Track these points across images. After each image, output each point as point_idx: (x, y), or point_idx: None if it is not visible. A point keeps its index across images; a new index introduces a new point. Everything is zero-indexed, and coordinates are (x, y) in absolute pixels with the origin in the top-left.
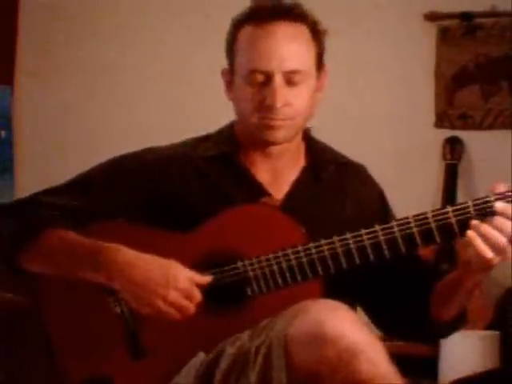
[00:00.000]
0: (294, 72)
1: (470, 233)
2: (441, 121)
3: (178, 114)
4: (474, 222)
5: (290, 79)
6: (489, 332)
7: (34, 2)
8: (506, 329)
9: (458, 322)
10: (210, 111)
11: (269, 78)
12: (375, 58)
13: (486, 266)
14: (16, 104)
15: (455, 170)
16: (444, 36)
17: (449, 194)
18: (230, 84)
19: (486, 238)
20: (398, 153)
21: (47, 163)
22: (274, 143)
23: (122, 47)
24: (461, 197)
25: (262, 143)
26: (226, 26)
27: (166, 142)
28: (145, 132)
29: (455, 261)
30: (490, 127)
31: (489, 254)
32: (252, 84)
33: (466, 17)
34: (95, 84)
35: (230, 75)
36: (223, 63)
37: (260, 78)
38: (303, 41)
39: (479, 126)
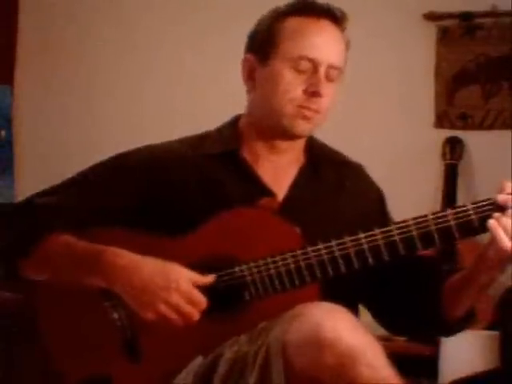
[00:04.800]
0: (334, 67)
1: (492, 222)
2: (441, 121)
3: (179, 114)
4: (496, 214)
5: (329, 74)
6: (489, 332)
7: (33, 2)
8: (506, 329)
9: (468, 319)
10: (208, 111)
11: (315, 67)
12: (375, 57)
13: (505, 257)
14: (16, 104)
15: (455, 170)
16: (444, 36)
17: (449, 194)
18: (252, 72)
19: (505, 229)
20: (398, 153)
21: (47, 163)
22: (299, 136)
23: (122, 47)
24: (461, 197)
25: (282, 135)
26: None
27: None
28: (145, 131)
29: (456, 261)
30: (490, 127)
31: (507, 242)
32: (297, 70)
33: (465, 17)
34: (95, 84)
35: (256, 63)
36: (223, 63)
37: (306, 65)
38: (342, 43)
39: (479, 126)
